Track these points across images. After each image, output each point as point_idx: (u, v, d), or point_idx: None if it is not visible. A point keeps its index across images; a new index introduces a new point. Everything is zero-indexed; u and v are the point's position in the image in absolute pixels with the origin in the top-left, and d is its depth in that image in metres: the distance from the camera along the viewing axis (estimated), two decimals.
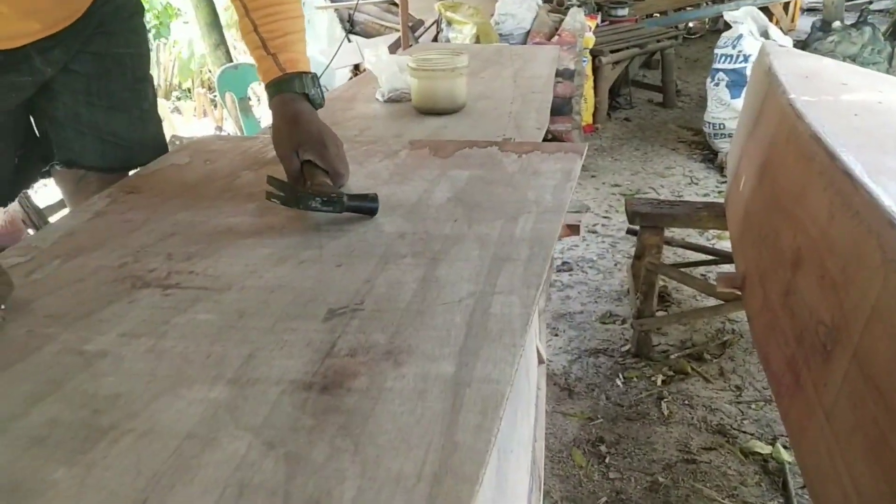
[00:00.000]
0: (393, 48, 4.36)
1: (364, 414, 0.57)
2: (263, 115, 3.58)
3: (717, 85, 3.48)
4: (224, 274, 0.82)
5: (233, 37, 5.45)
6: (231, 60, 4.81)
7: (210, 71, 5.45)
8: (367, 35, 4.76)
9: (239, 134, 3.33)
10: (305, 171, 1.01)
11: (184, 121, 4.45)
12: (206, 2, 5.02)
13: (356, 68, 4.72)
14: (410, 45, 3.63)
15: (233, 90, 3.23)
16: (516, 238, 0.86)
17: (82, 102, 1.23)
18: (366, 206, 0.94)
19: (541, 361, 1.56)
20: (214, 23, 5.03)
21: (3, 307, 0.74)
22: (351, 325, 0.70)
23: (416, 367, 0.63)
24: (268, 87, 1.09)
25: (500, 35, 4.39)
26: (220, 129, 4.01)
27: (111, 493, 0.51)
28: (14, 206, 1.55)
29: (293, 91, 1.06)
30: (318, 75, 1.10)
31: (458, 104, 1.52)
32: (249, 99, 3.37)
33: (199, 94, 4.83)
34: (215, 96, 4.71)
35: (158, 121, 1.38)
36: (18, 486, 0.52)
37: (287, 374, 0.63)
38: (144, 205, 1.04)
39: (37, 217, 2.34)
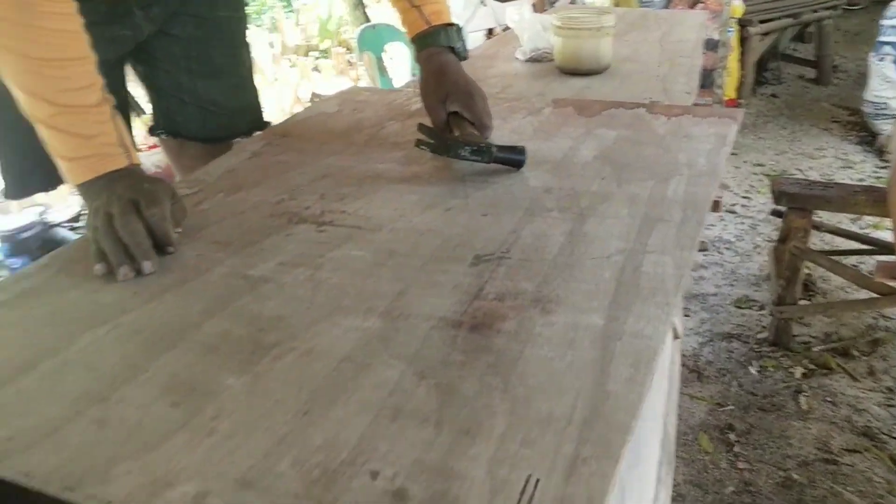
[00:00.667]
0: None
1: (513, 356, 0.58)
2: (398, 74, 3.64)
3: (881, 60, 3.19)
4: (374, 216, 0.84)
5: None
6: (369, 21, 4.90)
7: (348, 31, 5.58)
8: None
9: None
10: (452, 122, 1.03)
11: (323, 79, 4.60)
12: None
13: (490, 32, 4.70)
14: (545, 9, 3.56)
15: (370, 49, 3.29)
16: (668, 199, 0.83)
17: (183, 69, 1.24)
18: (514, 158, 0.94)
19: (676, 336, 1.52)
20: None
21: (179, 230, 0.80)
22: (498, 272, 0.70)
23: (565, 316, 0.63)
24: (414, 39, 1.10)
25: (641, 1, 4.22)
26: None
27: (277, 401, 0.54)
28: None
29: (439, 44, 1.08)
30: (461, 27, 1.11)
31: (603, 65, 1.48)
32: (384, 59, 3.42)
33: (336, 54, 4.97)
34: (352, 56, 4.83)
35: (255, 88, 1.37)
36: (196, 387, 0.56)
37: (437, 311, 0.64)
38: (297, 148, 1.09)
39: None
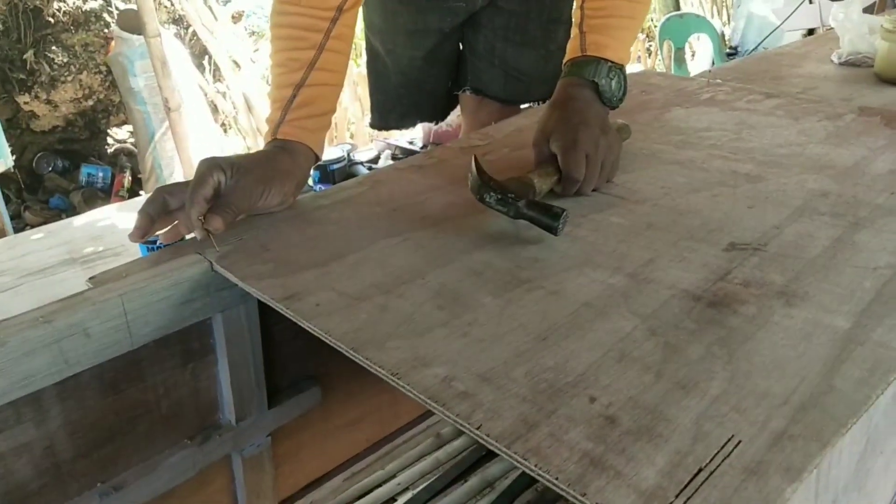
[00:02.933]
0: (868, 10, 3.86)
1: (744, 335, 0.60)
2: (697, 67, 3.53)
3: None
4: (640, 190, 0.89)
5: None
6: (679, 9, 4.78)
7: (653, 20, 5.49)
8: None
9: None
10: (546, 165, 0.89)
11: None
12: None
13: (810, 33, 4.31)
14: (885, 11, 3.18)
15: (672, 38, 3.24)
16: None
17: (500, 37, 1.36)
18: (543, 221, 0.77)
19: None
20: None
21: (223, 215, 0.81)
22: (750, 261, 0.72)
23: (808, 312, 0.63)
24: (564, 65, 1.00)
25: None
26: None
27: (521, 324, 0.63)
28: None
29: (581, 76, 0.95)
30: (622, 68, 0.95)
31: None
32: (684, 50, 3.34)
33: (637, 41, 4.94)
34: (651, 45, 4.75)
35: (561, 59, 1.45)
36: (458, 297, 0.67)
37: (680, 283, 0.69)
38: None
39: None
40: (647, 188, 0.90)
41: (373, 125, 1.59)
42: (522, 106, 1.43)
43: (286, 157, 0.88)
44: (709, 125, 1.11)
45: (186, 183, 0.81)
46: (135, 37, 3.07)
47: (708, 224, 0.80)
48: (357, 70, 3.61)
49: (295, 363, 0.93)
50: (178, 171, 3.19)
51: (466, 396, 0.54)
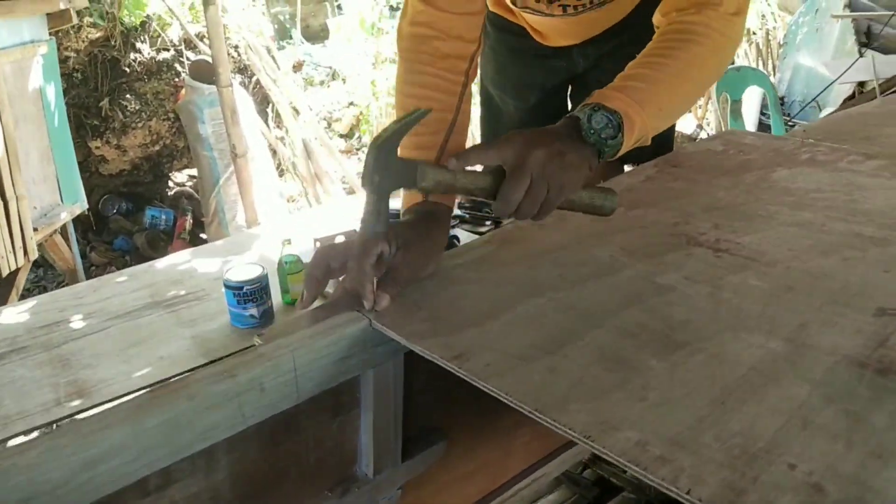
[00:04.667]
0: None
1: None
2: (749, 120, 3.56)
3: None
4: (768, 252, 0.91)
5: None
6: (733, 63, 4.84)
7: None
8: (887, 51, 4.29)
9: None
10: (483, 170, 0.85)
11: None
12: None
13: (861, 86, 4.33)
14: None
15: (729, 91, 3.27)
16: None
17: None
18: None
19: None
20: None
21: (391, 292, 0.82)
22: None
23: None
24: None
25: None
26: (700, 127, 4.11)
27: (694, 388, 0.65)
28: None
29: (569, 115, 0.89)
30: (619, 116, 0.85)
31: None
32: (740, 102, 3.37)
33: None
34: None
35: None
36: (623, 361, 0.69)
37: (839, 349, 0.70)
38: (686, 178, 1.19)
39: None
40: (774, 250, 0.92)
41: None
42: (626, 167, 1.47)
43: (436, 225, 0.91)
44: (818, 186, 1.13)
45: (344, 245, 0.85)
46: (205, 86, 3.19)
47: (848, 288, 0.81)
48: None
49: (425, 417, 0.95)
50: (240, 214, 3.27)
51: (665, 461, 0.56)
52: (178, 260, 2.30)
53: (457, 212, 2.46)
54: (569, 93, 1.57)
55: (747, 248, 0.93)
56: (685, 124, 3.88)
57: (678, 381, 0.66)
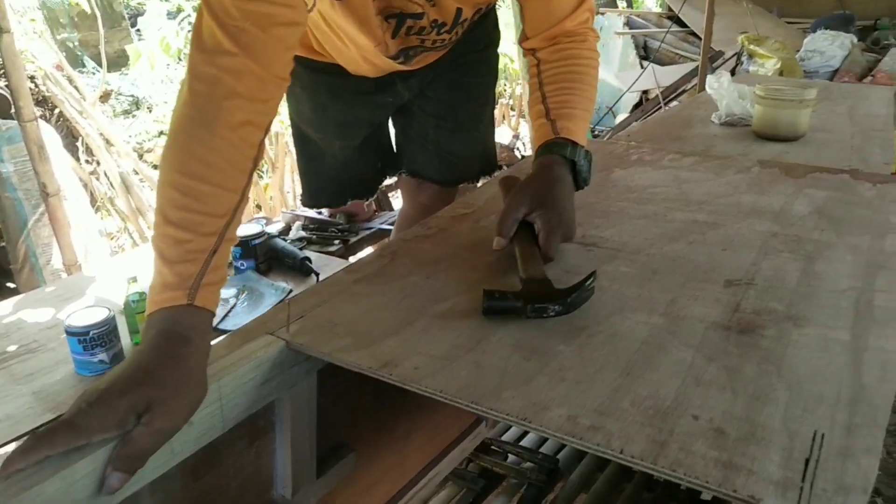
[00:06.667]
0: (688, 78, 4.44)
1: (779, 352, 0.75)
2: None
3: None
4: (629, 242, 1.04)
5: None
6: None
7: (504, 81, 5.92)
8: (661, 63, 4.88)
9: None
10: (519, 237, 0.95)
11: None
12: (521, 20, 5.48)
13: (645, 94, 4.87)
14: (707, 75, 3.69)
15: None
16: (886, 252, 0.98)
17: (432, 124, 1.49)
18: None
19: None
20: None
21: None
22: (749, 293, 0.88)
23: (815, 330, 0.79)
24: (538, 149, 1.05)
25: (805, 72, 4.26)
26: (516, 136, 4.41)
27: (603, 364, 0.73)
28: None
29: (561, 154, 1.01)
30: (591, 155, 1.04)
31: (799, 133, 1.62)
32: None
33: (500, 104, 5.32)
34: (512, 102, 5.13)
35: (491, 139, 1.60)
36: (537, 349, 0.77)
37: (707, 317, 0.82)
38: None
39: (385, 200, 2.84)
40: (634, 240, 1.04)
41: (305, 204, 1.66)
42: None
43: (200, 341, 0.72)
44: (652, 182, 1.29)
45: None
46: (1, 121, 2.90)
47: (700, 266, 0.95)
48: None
49: (334, 433, 0.97)
50: (56, 257, 3.01)
51: (596, 429, 0.63)
52: (1, 313, 2.09)
53: (302, 233, 2.46)
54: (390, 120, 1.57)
55: (611, 240, 1.05)
56: (503, 135, 4.14)
57: (588, 359, 0.74)
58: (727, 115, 1.77)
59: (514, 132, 4.40)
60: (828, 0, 5.06)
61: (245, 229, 2.31)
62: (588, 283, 0.85)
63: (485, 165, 1.59)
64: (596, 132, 4.41)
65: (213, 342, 0.78)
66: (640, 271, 0.94)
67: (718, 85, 1.80)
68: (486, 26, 1.44)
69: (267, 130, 0.84)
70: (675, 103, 4.13)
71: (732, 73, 4.20)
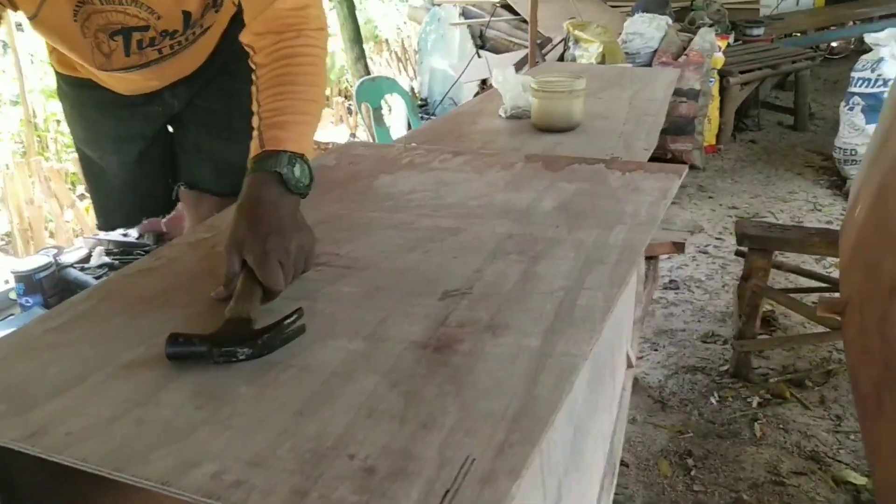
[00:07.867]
0: (521, 64, 4.53)
1: (467, 368, 0.73)
2: (393, 124, 3.84)
3: (851, 109, 3.39)
4: (363, 257, 1.00)
5: (370, 50, 5.81)
6: (369, 73, 5.15)
7: (348, 81, 5.83)
8: (497, 51, 4.95)
9: (370, 141, 3.61)
10: (245, 272, 0.87)
11: (321, 126, 4.85)
12: (351, 20, 5.39)
13: (483, 83, 4.93)
14: (537, 63, 3.78)
15: (368, 101, 3.50)
16: (609, 245, 0.99)
17: (203, 133, 1.44)
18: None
19: (629, 366, 1.67)
20: (356, 38, 5.39)
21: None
22: (461, 304, 0.86)
23: (511, 338, 0.78)
24: (248, 168, 0.97)
25: (627, 54, 4.44)
26: (353, 135, 4.33)
27: (280, 405, 0.69)
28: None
29: (264, 169, 0.93)
30: (304, 157, 0.96)
31: (573, 123, 1.65)
32: (381, 109, 3.63)
33: (337, 103, 5.20)
34: (350, 105, 5.06)
35: None
36: (215, 394, 0.71)
37: (409, 336, 0.80)
38: None
39: None
40: (369, 255, 1.01)
41: (100, 228, 1.59)
42: None
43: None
44: (413, 187, 1.26)
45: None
46: None
47: (425, 278, 0.93)
48: (48, 164, 3.35)
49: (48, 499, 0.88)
50: None
51: (239, 484, 0.59)
52: None
53: (105, 259, 2.30)
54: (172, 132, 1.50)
55: (345, 257, 1.01)
56: (341, 136, 4.07)
57: (266, 400, 0.70)
58: (512, 109, 1.78)
59: (352, 130, 4.34)
60: None
61: (29, 262, 2.13)
62: (288, 321, 0.80)
63: None
64: None
65: None
66: (363, 289, 0.91)
67: (503, 78, 1.81)
68: None
69: None
70: None
71: (561, 58, 4.32)
